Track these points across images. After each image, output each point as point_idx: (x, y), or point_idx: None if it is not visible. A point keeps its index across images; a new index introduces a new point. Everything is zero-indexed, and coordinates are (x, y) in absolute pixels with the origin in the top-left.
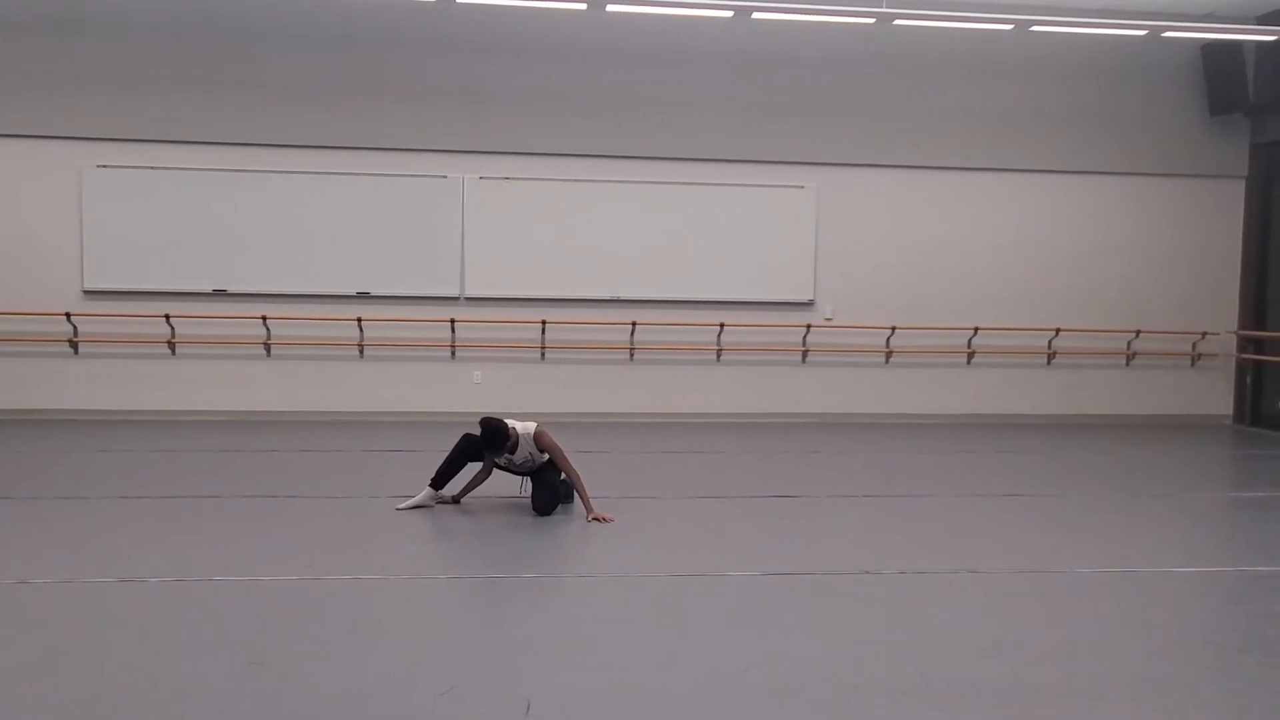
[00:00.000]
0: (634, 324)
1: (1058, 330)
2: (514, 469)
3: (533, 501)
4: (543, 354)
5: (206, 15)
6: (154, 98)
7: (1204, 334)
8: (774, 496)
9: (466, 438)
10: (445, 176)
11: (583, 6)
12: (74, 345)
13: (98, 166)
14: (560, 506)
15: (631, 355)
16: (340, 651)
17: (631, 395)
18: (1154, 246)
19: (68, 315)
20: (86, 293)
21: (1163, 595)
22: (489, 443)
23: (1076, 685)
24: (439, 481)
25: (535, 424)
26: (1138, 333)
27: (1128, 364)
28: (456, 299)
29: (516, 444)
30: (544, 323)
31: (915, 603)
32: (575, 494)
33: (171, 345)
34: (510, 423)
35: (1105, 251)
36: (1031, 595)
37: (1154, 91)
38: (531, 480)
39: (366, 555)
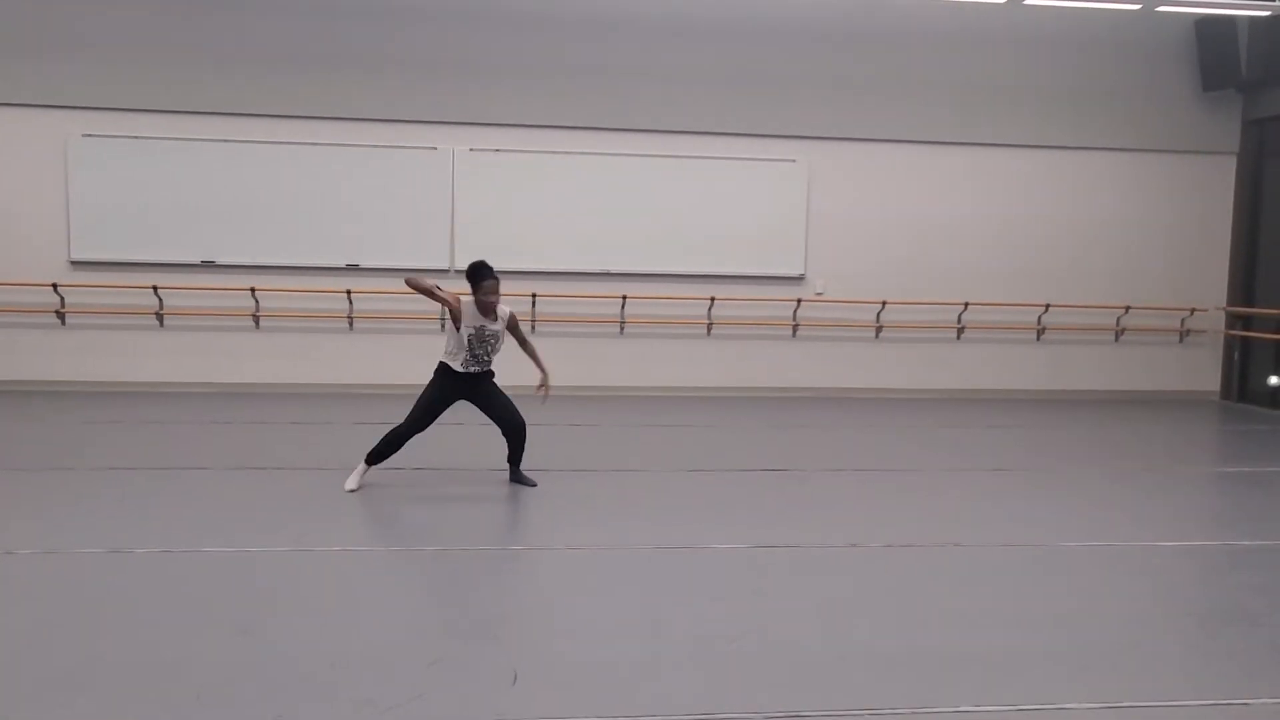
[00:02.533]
0: (624, 297)
1: (1047, 306)
2: (479, 337)
3: (512, 440)
4: (533, 327)
5: None
6: (140, 66)
7: (1193, 310)
8: (763, 470)
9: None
10: (435, 148)
11: None
12: (61, 316)
13: (83, 135)
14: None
15: (622, 328)
16: (328, 622)
17: (621, 368)
18: (1144, 222)
19: (54, 286)
20: (73, 263)
21: (1148, 568)
22: (489, 279)
23: (1061, 656)
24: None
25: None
26: (1127, 309)
27: (1116, 340)
28: (446, 271)
29: (497, 305)
30: (534, 295)
31: (902, 575)
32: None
33: (159, 316)
34: None
35: (1095, 227)
36: (1017, 568)
37: (1147, 67)
38: (489, 411)
39: (355, 527)
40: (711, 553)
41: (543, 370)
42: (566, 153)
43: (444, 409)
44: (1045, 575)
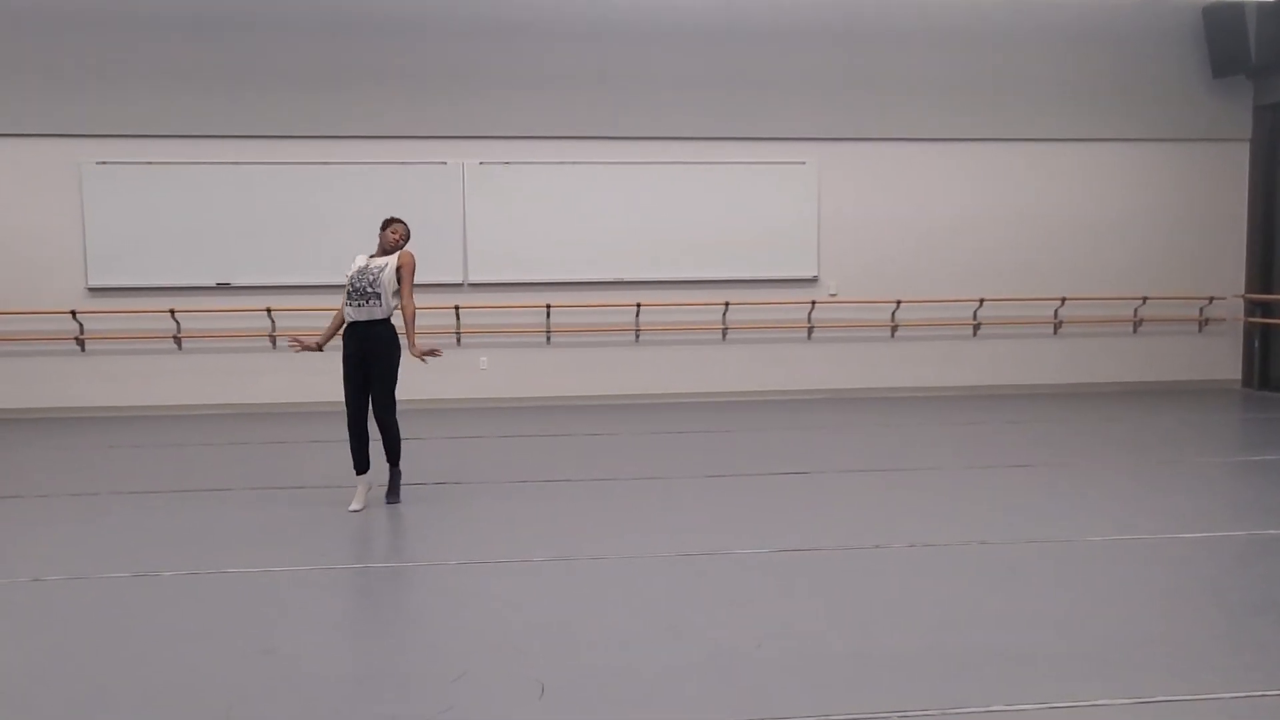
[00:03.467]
0: (638, 305)
1: (1063, 299)
2: (360, 273)
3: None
4: (548, 338)
5: (200, 8)
6: (151, 93)
7: (1211, 299)
8: (782, 473)
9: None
10: (445, 163)
11: None
12: (80, 343)
13: (97, 163)
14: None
15: (637, 336)
16: (352, 639)
17: (638, 376)
18: (1159, 212)
19: (73, 313)
20: (91, 290)
21: (1173, 560)
22: (392, 220)
23: (1090, 652)
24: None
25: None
26: (1144, 299)
27: (1135, 331)
28: (460, 285)
29: (391, 255)
30: (548, 306)
31: (925, 575)
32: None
33: (177, 340)
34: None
35: (1109, 219)
36: (1041, 565)
37: (1155, 55)
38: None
39: (375, 543)
40: (733, 558)
41: (411, 341)
42: (576, 163)
43: (360, 379)
44: (1071, 571)
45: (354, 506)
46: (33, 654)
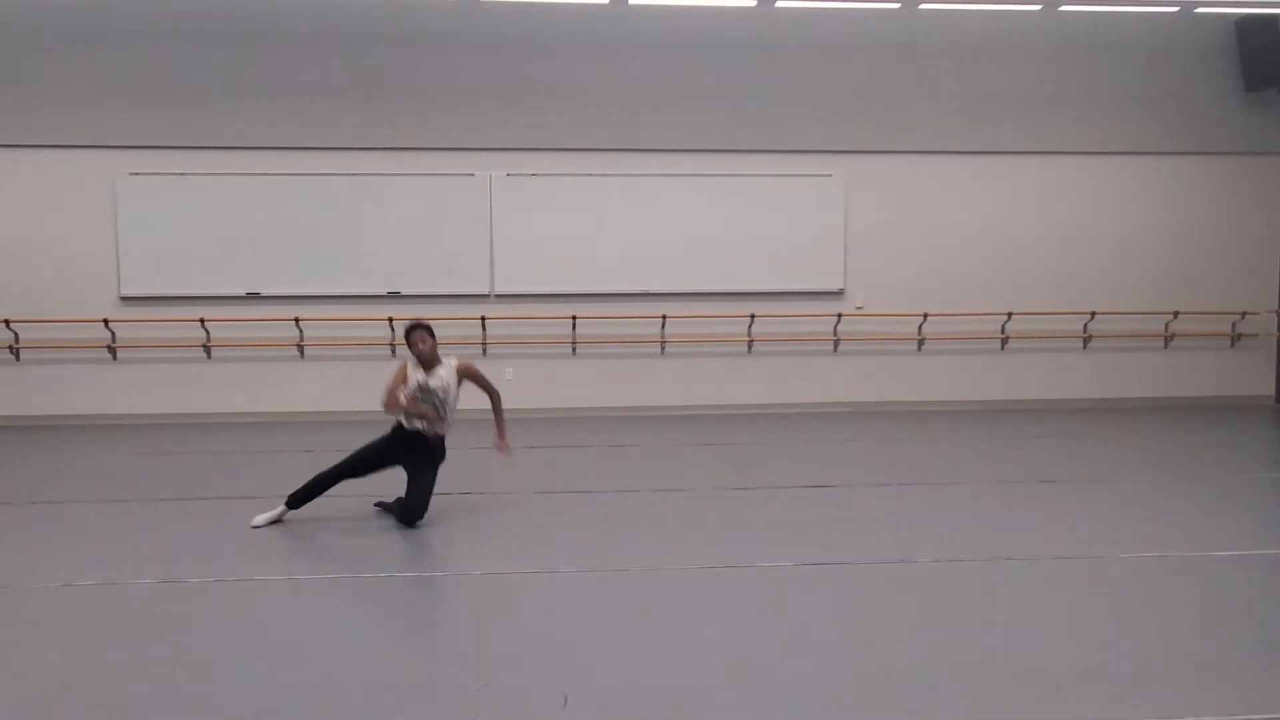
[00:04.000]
0: (664, 317)
1: (1093, 313)
2: (424, 398)
3: (400, 510)
4: (574, 349)
5: (230, 22)
6: (182, 105)
7: (1244, 314)
8: (807, 486)
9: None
10: (472, 174)
11: (605, 0)
12: (112, 351)
13: (130, 174)
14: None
15: (662, 348)
16: (378, 648)
17: (663, 388)
18: (1190, 226)
19: (105, 322)
20: (123, 299)
21: (1204, 578)
22: (415, 330)
23: (1118, 669)
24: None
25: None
26: (1176, 314)
27: (1166, 346)
28: (486, 296)
29: (438, 361)
30: (574, 318)
31: (952, 591)
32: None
33: (207, 349)
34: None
35: (1140, 233)
36: (1070, 581)
37: (1187, 68)
38: (408, 481)
39: (401, 552)
40: (757, 571)
41: (500, 431)
42: (602, 174)
43: (377, 462)
44: (1099, 588)
45: (260, 522)
46: (63, 659)
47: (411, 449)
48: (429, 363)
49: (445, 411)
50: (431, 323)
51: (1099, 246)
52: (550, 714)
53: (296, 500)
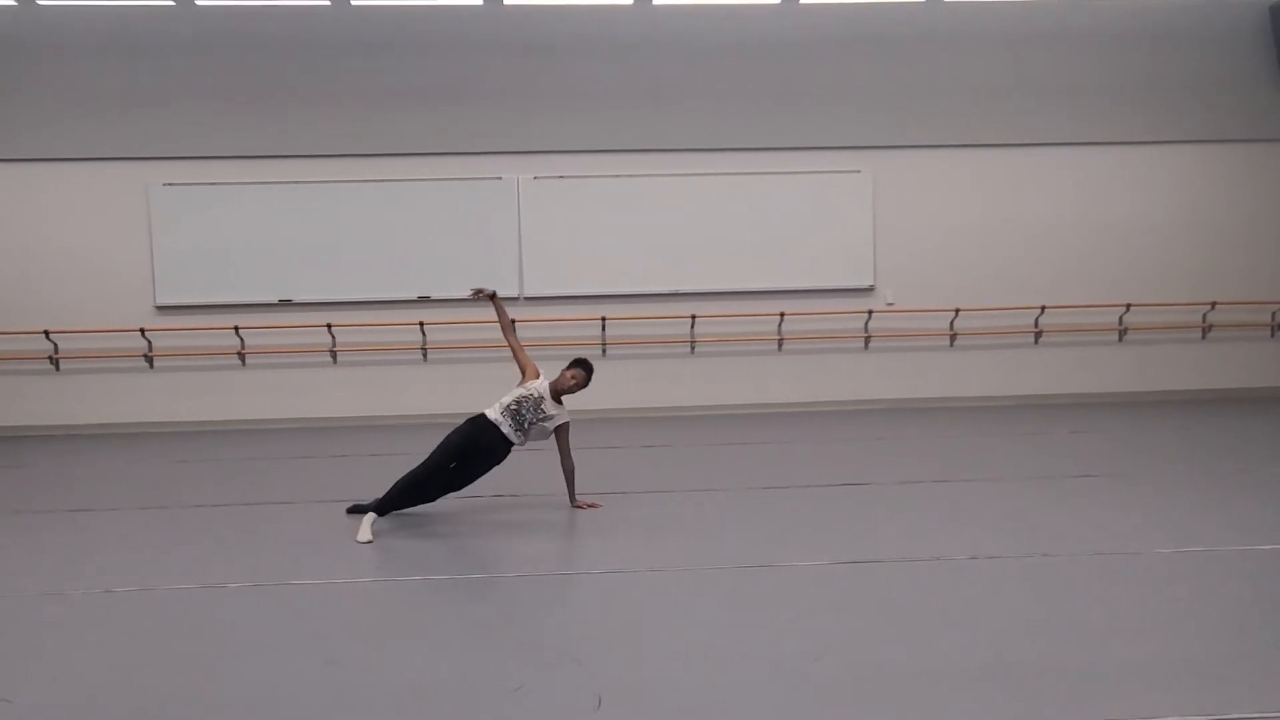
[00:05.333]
0: (693, 316)
1: (1128, 306)
2: (527, 403)
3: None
4: (604, 350)
5: (258, 32)
6: (214, 115)
7: None
8: (840, 485)
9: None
10: (500, 178)
11: (629, 1)
12: (149, 360)
13: (164, 185)
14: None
15: (692, 348)
16: (412, 651)
17: (693, 388)
18: (1226, 216)
19: (142, 331)
20: (159, 308)
21: (1245, 574)
22: (583, 365)
23: (1158, 667)
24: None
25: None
26: (1212, 305)
27: (1203, 337)
28: (516, 299)
29: (561, 400)
30: (603, 319)
31: (986, 588)
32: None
33: (241, 356)
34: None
35: (1175, 223)
36: (1107, 577)
37: (1220, 56)
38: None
39: (433, 555)
40: (791, 570)
41: (571, 493)
42: (630, 175)
43: (453, 452)
44: (1138, 583)
45: (366, 538)
46: (104, 665)
47: (482, 443)
48: (559, 391)
49: (526, 427)
50: (459, 325)
51: (1133, 238)
52: (584, 715)
53: (386, 509)
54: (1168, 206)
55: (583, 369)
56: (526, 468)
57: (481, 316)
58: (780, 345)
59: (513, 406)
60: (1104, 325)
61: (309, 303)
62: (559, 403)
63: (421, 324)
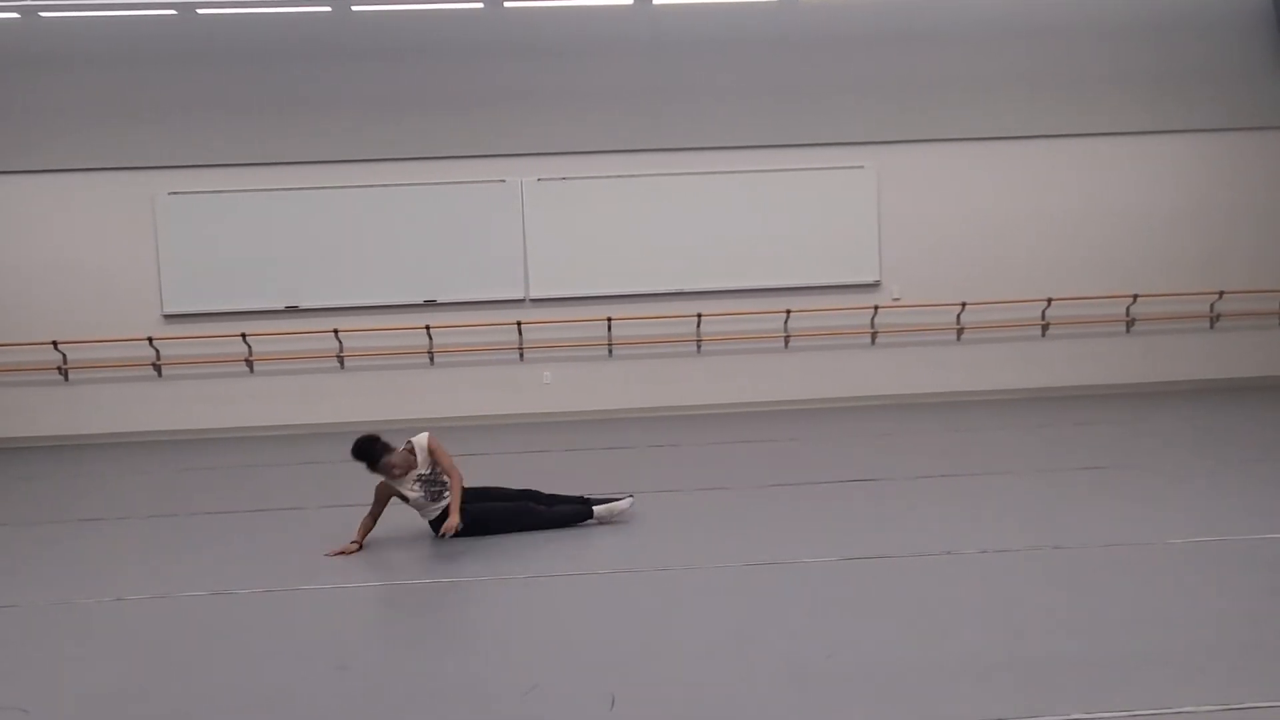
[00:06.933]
0: (699, 315)
1: (1135, 296)
2: (428, 490)
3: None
4: (610, 350)
5: (261, 41)
6: (217, 124)
7: None
8: (848, 481)
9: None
10: (504, 181)
11: (629, 1)
12: (157, 368)
13: (169, 194)
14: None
15: (698, 347)
16: (424, 654)
17: (700, 387)
18: (1232, 204)
19: (149, 340)
20: (166, 317)
21: (1260, 562)
22: (364, 453)
23: (1173, 657)
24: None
25: (425, 432)
26: (1220, 294)
27: (1211, 326)
28: (522, 301)
29: (414, 458)
30: (609, 319)
31: (999, 581)
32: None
33: (249, 363)
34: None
35: (1181, 213)
36: (1119, 568)
37: (1225, 45)
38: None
39: (442, 558)
40: (801, 567)
41: (452, 510)
42: (633, 175)
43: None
44: (1152, 574)
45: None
46: (117, 673)
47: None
48: (404, 468)
49: (443, 483)
50: (465, 328)
51: (1139, 228)
52: (597, 715)
53: (588, 513)
54: (1174, 196)
55: (377, 464)
56: (532, 470)
57: (488, 319)
58: (787, 342)
59: (435, 499)
60: (1111, 316)
61: (315, 308)
62: (410, 466)
63: (428, 327)
